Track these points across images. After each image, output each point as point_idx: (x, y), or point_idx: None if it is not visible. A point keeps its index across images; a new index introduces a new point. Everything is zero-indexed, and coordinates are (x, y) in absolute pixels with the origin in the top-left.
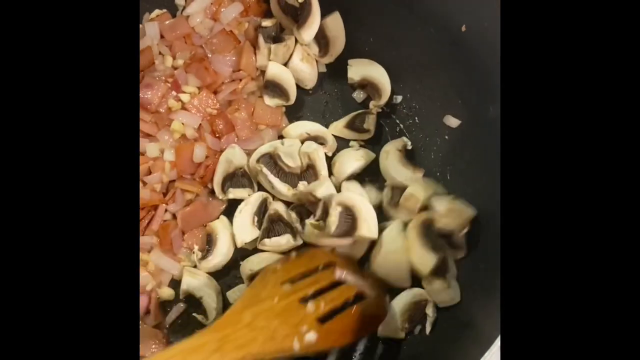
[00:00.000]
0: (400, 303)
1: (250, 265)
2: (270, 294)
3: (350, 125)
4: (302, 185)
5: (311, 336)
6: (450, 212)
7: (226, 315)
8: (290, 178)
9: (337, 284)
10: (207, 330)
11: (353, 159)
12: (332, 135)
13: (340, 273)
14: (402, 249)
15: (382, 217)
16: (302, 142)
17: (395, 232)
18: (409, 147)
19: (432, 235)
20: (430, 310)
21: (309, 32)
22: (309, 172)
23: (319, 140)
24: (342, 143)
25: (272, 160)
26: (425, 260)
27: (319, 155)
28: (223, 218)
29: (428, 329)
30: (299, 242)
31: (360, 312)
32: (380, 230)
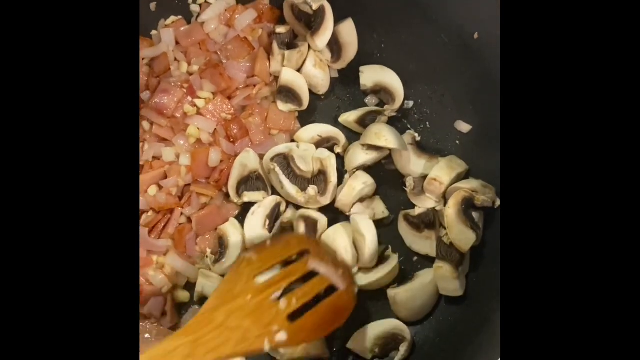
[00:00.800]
0: (378, 328)
1: None
2: (244, 289)
3: (361, 122)
4: (312, 190)
5: (282, 336)
6: (484, 188)
7: (199, 315)
8: (301, 182)
9: (309, 274)
10: (179, 333)
11: (364, 153)
12: (342, 125)
13: (313, 263)
14: (433, 294)
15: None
16: (316, 145)
17: (430, 278)
18: (418, 138)
19: (469, 214)
20: (403, 349)
21: (323, 39)
22: (319, 177)
23: (331, 141)
24: (354, 136)
25: (285, 162)
26: (466, 236)
27: (331, 162)
28: (233, 220)
29: None
30: None
31: (330, 306)
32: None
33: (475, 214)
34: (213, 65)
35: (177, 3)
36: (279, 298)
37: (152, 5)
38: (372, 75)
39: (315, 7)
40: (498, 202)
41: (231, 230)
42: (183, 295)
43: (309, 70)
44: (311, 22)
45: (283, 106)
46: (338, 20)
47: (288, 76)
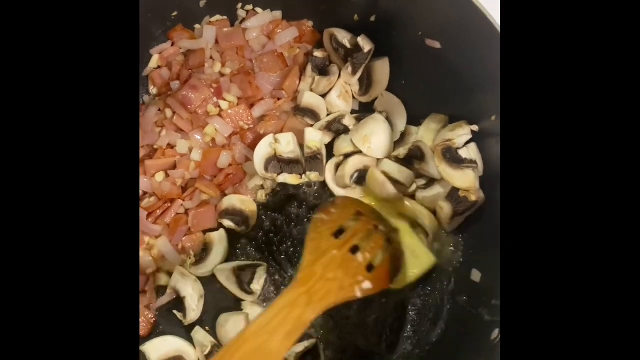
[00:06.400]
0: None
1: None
2: (329, 245)
3: (328, 127)
4: (313, 175)
5: (367, 285)
6: (456, 129)
7: (303, 270)
8: (296, 167)
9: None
10: (294, 286)
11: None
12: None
13: (372, 222)
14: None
15: None
16: (327, 125)
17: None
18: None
19: (458, 157)
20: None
21: (357, 75)
22: (316, 160)
23: (341, 119)
24: None
25: (275, 160)
26: (466, 178)
27: (323, 146)
28: (222, 231)
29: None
30: None
31: (392, 256)
32: None
33: (464, 151)
34: (245, 72)
35: (225, 3)
36: (354, 253)
37: (202, 3)
38: (387, 104)
39: (366, 50)
40: (475, 127)
41: (217, 240)
42: (164, 279)
43: (332, 100)
44: (347, 54)
45: (300, 120)
46: (374, 56)
47: (310, 100)
